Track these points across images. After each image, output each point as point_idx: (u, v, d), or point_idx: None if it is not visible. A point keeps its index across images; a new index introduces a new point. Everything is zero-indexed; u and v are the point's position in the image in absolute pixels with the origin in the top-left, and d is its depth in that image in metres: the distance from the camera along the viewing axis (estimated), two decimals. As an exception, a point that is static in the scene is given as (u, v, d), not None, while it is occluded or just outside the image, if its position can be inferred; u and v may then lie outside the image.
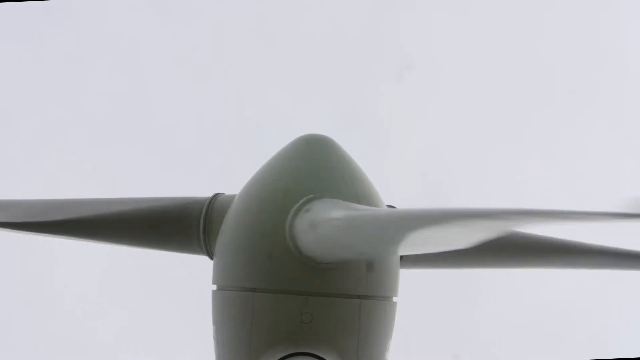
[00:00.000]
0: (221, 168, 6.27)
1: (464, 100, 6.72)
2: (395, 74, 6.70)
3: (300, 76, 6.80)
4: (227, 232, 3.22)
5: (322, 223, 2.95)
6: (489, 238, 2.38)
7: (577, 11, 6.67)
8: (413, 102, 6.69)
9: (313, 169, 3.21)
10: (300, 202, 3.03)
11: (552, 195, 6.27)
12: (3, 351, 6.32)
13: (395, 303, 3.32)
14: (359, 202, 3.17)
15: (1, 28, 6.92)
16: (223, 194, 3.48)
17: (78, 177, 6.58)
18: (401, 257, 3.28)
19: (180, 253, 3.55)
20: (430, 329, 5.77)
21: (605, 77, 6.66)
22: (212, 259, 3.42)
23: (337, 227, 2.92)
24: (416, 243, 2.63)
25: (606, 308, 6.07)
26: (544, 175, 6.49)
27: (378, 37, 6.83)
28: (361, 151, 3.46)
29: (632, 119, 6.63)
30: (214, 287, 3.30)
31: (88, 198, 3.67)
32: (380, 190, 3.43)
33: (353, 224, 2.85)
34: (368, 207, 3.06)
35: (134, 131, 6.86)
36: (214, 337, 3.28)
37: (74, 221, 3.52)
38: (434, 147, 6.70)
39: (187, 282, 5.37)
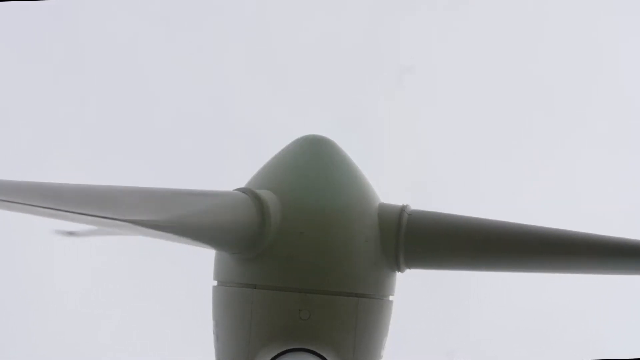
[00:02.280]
0: (220, 169, 6.31)
1: (459, 105, 6.78)
2: (390, 79, 6.76)
3: (296, 79, 6.85)
4: None
5: None
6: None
7: (576, 20, 6.73)
8: (408, 107, 6.75)
9: (314, 169, 3.28)
10: None
11: (544, 203, 6.33)
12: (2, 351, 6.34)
13: (392, 302, 3.38)
14: (360, 203, 3.25)
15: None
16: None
17: (74, 177, 6.60)
18: (399, 257, 3.32)
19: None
20: (425, 327, 5.81)
21: (602, 86, 6.73)
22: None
23: None
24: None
25: (600, 307, 6.11)
26: (538, 182, 6.55)
27: (376, 41, 6.88)
28: (354, 153, 3.52)
29: (628, 129, 6.69)
30: (215, 282, 3.36)
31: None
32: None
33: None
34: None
35: (131, 133, 6.90)
36: (213, 332, 3.33)
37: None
38: (427, 151, 6.75)
39: (186, 278, 5.42)
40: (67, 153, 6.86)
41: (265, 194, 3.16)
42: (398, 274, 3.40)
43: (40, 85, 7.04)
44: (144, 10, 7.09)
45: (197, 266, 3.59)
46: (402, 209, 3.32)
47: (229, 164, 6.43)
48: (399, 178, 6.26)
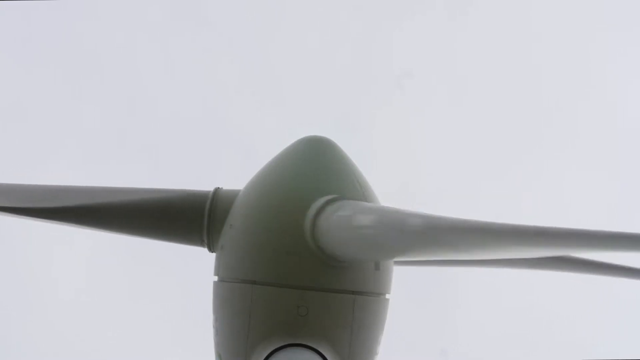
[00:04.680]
0: (219, 171, 6.35)
1: (452, 110, 6.84)
2: (387, 84, 6.83)
3: (294, 81, 6.89)
4: (237, 227, 3.31)
5: (354, 224, 3.02)
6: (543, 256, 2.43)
7: (571, 30, 6.80)
8: (404, 111, 6.80)
9: (318, 170, 3.32)
10: (322, 202, 3.11)
11: (535, 207, 6.38)
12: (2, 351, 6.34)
13: (388, 300, 3.42)
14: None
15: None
16: (222, 188, 3.54)
17: (71, 176, 6.63)
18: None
19: (179, 244, 3.61)
20: (420, 325, 5.86)
21: (593, 94, 6.80)
22: (211, 251, 3.51)
23: (376, 230, 2.98)
24: (464, 252, 2.67)
25: (594, 306, 6.16)
26: (529, 187, 6.61)
27: (372, 48, 6.94)
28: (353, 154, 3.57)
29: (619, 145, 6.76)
30: (215, 278, 3.41)
31: (89, 186, 3.66)
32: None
33: (396, 228, 2.86)
34: (400, 210, 2.97)
35: (128, 134, 6.92)
36: (213, 326, 3.38)
37: (75, 209, 3.53)
38: (420, 153, 6.80)
39: (185, 274, 5.44)
40: (65, 153, 6.88)
41: (232, 191, 3.37)
42: (395, 273, 3.47)
43: (37, 86, 7.06)
44: (143, 16, 7.13)
45: (197, 264, 3.64)
46: None
47: (226, 167, 6.48)
48: (391, 179, 6.31)
